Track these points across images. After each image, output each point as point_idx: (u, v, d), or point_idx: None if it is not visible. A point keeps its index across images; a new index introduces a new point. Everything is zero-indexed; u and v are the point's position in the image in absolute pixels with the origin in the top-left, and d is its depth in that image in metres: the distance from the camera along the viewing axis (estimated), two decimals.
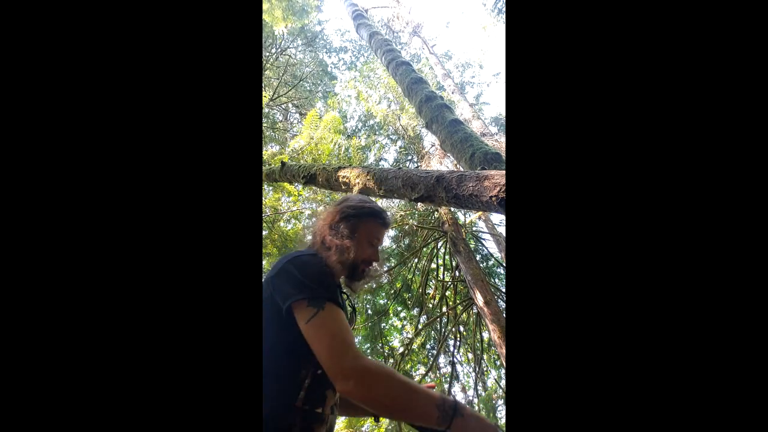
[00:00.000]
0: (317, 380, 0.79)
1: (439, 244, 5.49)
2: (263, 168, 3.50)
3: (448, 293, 5.53)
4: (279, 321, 0.78)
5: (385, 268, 6.01)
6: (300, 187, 5.23)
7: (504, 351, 3.98)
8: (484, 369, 6.12)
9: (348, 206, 0.95)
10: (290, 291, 0.77)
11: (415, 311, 5.92)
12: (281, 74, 7.79)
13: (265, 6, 5.48)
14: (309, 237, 0.99)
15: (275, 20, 5.56)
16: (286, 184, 4.19)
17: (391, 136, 6.72)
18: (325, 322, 0.73)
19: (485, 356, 5.96)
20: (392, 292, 6.06)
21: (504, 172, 1.33)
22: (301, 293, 0.76)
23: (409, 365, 5.63)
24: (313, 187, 4.65)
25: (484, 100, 10.86)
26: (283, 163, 3.12)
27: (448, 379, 5.51)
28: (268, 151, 5.23)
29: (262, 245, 4.61)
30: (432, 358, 5.76)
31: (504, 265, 5.81)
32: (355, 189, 2.09)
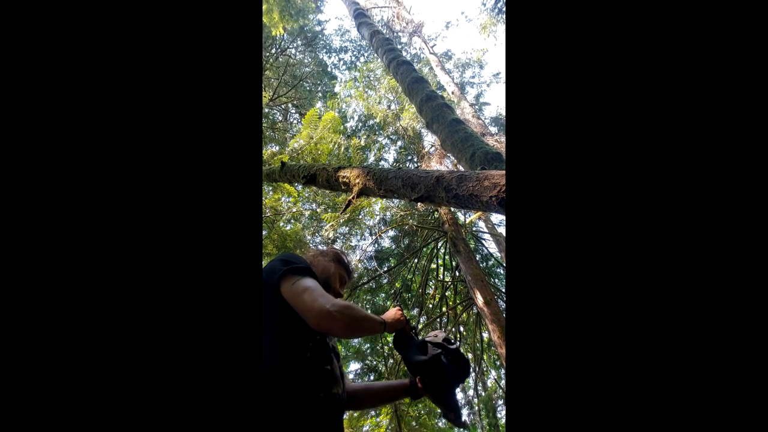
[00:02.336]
0: (318, 344, 0.97)
1: (439, 244, 5.49)
2: (263, 168, 3.50)
3: (448, 293, 5.53)
4: (278, 301, 0.96)
5: (385, 268, 6.02)
6: (300, 187, 5.23)
7: (504, 351, 3.98)
8: (484, 369, 6.12)
9: (340, 252, 1.31)
10: (280, 268, 0.99)
11: (414, 311, 5.92)
12: (281, 74, 7.79)
13: (263, 7, 5.47)
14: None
15: (273, 22, 5.55)
16: (286, 184, 4.19)
17: (391, 136, 6.72)
18: (306, 285, 0.95)
19: (485, 356, 5.96)
20: (392, 292, 6.06)
21: (504, 172, 1.33)
22: (287, 266, 0.99)
23: None
24: (313, 188, 4.65)
25: (484, 100, 10.85)
26: (283, 163, 3.12)
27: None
28: (268, 151, 5.23)
29: (262, 245, 4.61)
30: None
31: (504, 265, 5.81)
32: (355, 189, 2.09)
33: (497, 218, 6.80)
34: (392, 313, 1.10)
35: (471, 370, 1.15)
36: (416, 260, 5.86)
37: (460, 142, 2.41)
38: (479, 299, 4.38)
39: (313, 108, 5.77)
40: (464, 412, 7.00)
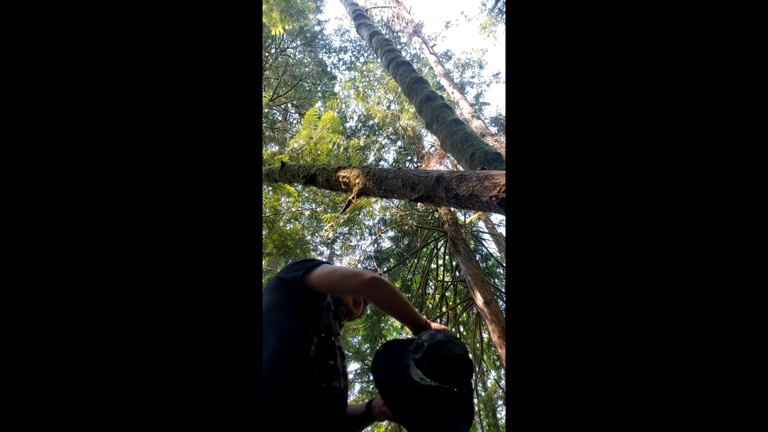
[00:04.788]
0: (323, 341, 1.03)
1: (439, 245, 5.49)
2: (263, 168, 3.50)
3: (448, 293, 5.53)
4: (291, 296, 1.03)
5: (385, 268, 6.02)
6: (300, 187, 5.23)
7: (504, 351, 3.98)
8: (484, 369, 6.12)
9: None
10: (302, 266, 1.05)
11: None
12: (281, 74, 7.80)
13: (263, 8, 5.47)
14: None
15: (273, 22, 5.55)
16: (286, 184, 4.19)
17: (390, 137, 6.72)
18: (331, 267, 1.04)
19: (485, 356, 5.96)
20: None
21: (504, 172, 1.32)
22: (307, 264, 1.06)
23: None
24: (313, 188, 4.65)
25: (484, 100, 10.86)
26: (282, 163, 3.12)
27: None
28: (268, 151, 5.23)
29: (262, 245, 4.61)
30: None
31: (504, 265, 5.81)
32: (355, 189, 2.09)
33: (497, 218, 6.80)
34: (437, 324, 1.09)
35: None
36: (416, 260, 5.86)
37: (460, 142, 2.41)
38: (479, 299, 4.38)
39: (312, 108, 5.77)
40: None
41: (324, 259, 1.26)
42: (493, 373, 6.54)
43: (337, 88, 8.44)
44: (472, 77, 11.17)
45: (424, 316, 1.05)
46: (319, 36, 10.19)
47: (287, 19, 5.68)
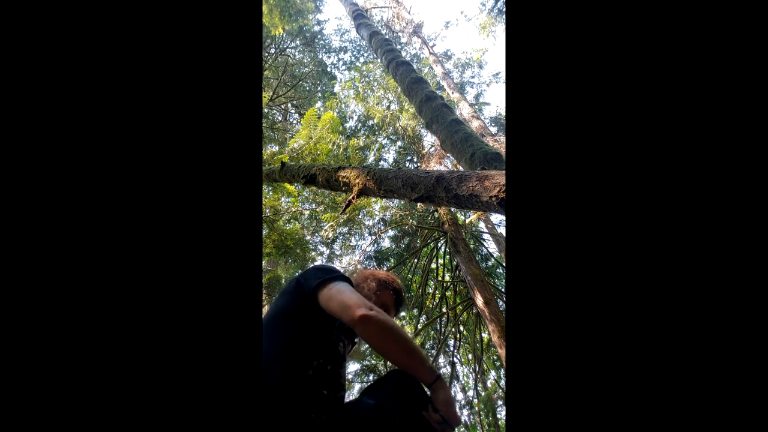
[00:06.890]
0: (320, 367, 0.95)
1: (439, 244, 5.49)
2: (263, 168, 3.50)
3: (447, 293, 5.53)
4: (303, 306, 0.98)
5: (385, 268, 6.02)
6: (300, 187, 5.23)
7: (504, 352, 3.98)
8: (484, 369, 6.12)
9: (386, 276, 1.28)
10: (316, 275, 1.00)
11: (414, 311, 5.92)
12: (280, 74, 7.80)
13: (263, 8, 5.47)
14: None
15: (272, 22, 5.56)
16: (286, 184, 4.18)
17: (390, 137, 6.72)
18: (342, 288, 0.96)
19: (485, 356, 5.96)
20: None
21: (504, 172, 1.33)
22: (325, 275, 1.00)
23: None
24: (313, 188, 4.65)
25: (484, 100, 10.86)
26: (282, 163, 3.12)
27: (448, 379, 5.50)
28: (268, 151, 5.23)
29: (262, 245, 4.61)
30: (432, 358, 5.76)
31: (504, 265, 5.81)
32: (355, 189, 2.09)
33: (497, 218, 6.81)
34: (448, 390, 0.95)
35: None
36: (416, 260, 5.86)
37: (460, 142, 2.42)
38: (479, 299, 4.38)
39: (312, 108, 5.77)
40: (464, 412, 6.99)
41: (343, 273, 1.12)
42: (493, 373, 6.54)
43: (336, 88, 8.44)
44: (472, 77, 11.18)
45: (437, 372, 0.90)
46: (319, 36, 10.19)
47: (287, 19, 5.68)
